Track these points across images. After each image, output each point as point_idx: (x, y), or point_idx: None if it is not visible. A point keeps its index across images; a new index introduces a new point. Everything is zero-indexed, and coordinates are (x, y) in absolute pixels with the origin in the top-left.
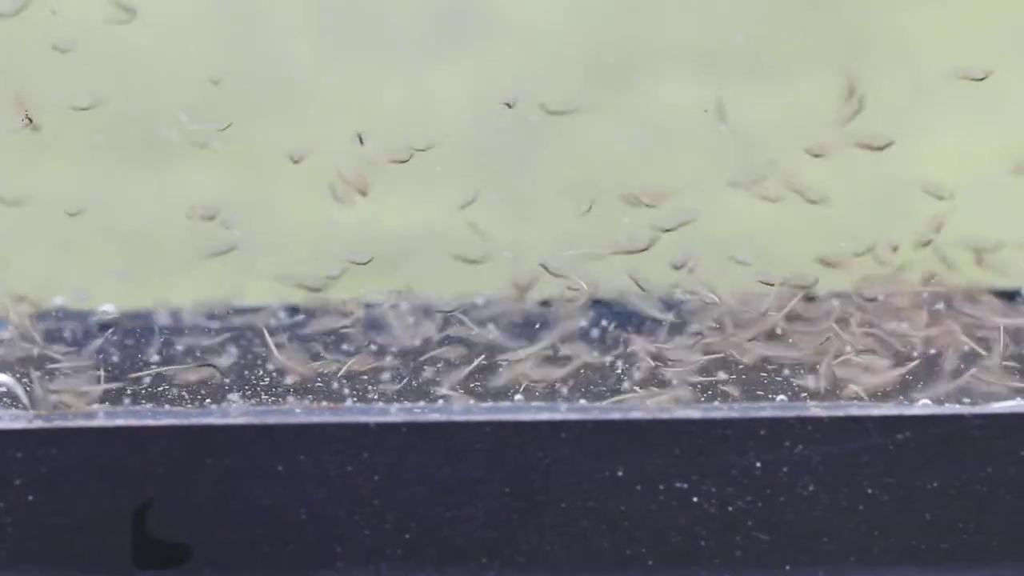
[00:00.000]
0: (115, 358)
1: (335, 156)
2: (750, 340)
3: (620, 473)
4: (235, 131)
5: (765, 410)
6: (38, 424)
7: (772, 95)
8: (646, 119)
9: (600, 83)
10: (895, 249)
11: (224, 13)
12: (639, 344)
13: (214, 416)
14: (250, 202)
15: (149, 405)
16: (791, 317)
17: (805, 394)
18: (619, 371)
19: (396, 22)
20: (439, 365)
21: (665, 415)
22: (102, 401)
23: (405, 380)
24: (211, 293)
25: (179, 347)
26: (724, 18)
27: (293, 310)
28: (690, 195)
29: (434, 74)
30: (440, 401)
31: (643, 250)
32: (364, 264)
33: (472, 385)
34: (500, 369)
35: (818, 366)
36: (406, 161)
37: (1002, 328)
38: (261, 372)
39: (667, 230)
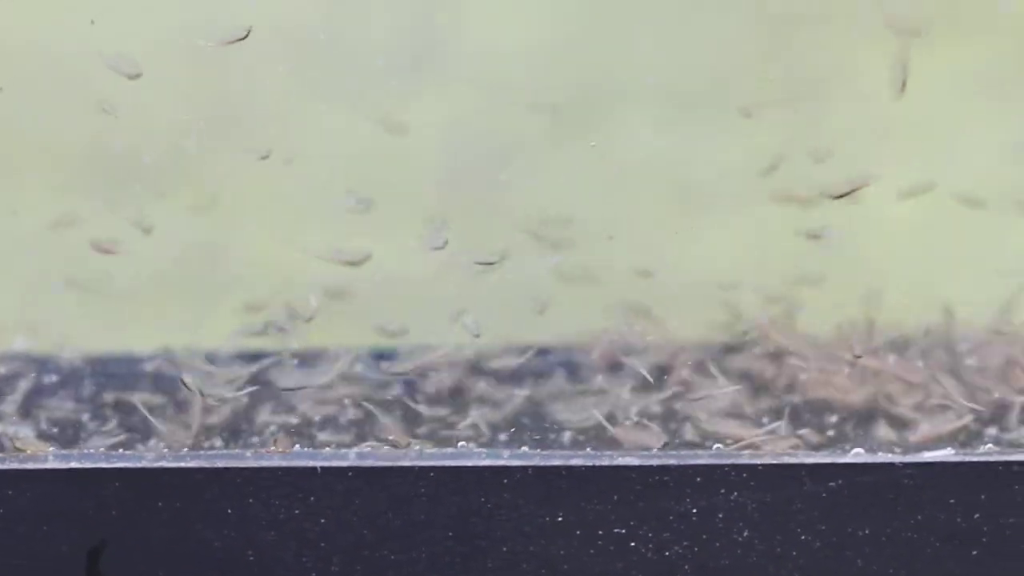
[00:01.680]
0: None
1: (297, 196)
2: None
3: (560, 518)
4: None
5: (701, 457)
6: None
7: (731, 133)
8: (606, 156)
9: (560, 120)
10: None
11: (188, 47)
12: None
13: (166, 459)
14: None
15: (102, 447)
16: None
17: None
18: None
19: (361, 61)
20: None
21: (604, 462)
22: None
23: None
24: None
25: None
26: (686, 56)
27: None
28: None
29: (394, 111)
30: (385, 448)
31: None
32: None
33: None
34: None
35: None
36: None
37: None
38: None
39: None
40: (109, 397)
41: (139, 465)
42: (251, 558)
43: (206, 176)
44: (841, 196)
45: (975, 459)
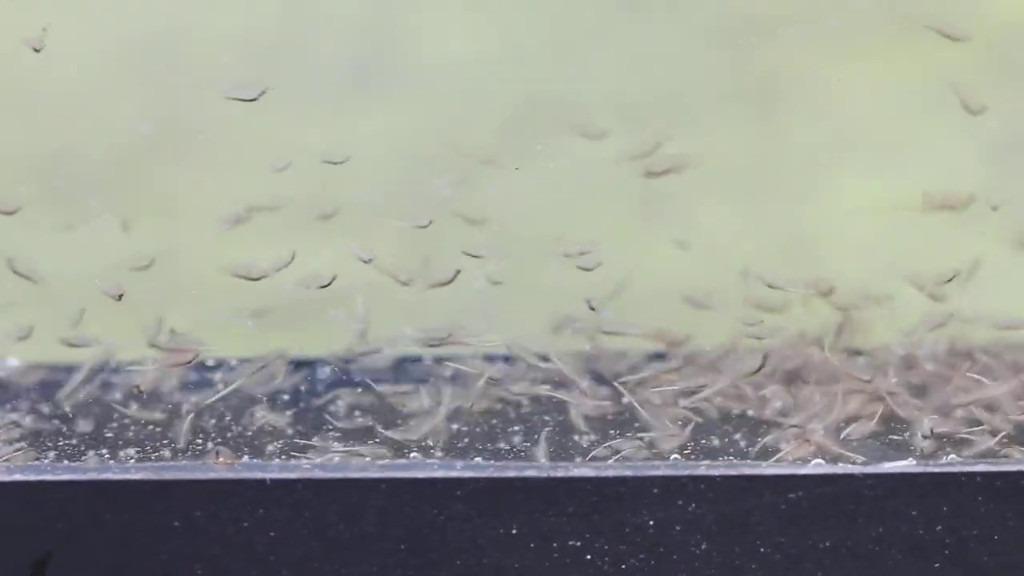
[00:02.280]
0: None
1: (249, 206)
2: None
3: (514, 530)
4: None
5: (659, 468)
6: None
7: (691, 144)
8: (563, 168)
9: (516, 133)
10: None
11: (135, 59)
12: None
13: (112, 471)
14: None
15: (48, 459)
16: None
17: None
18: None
19: (314, 72)
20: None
21: (559, 473)
22: None
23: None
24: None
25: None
26: (644, 68)
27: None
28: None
29: (350, 124)
30: (335, 459)
31: None
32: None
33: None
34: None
35: None
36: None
37: None
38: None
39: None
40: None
41: (85, 477)
42: (199, 572)
43: (150, 185)
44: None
45: (936, 470)
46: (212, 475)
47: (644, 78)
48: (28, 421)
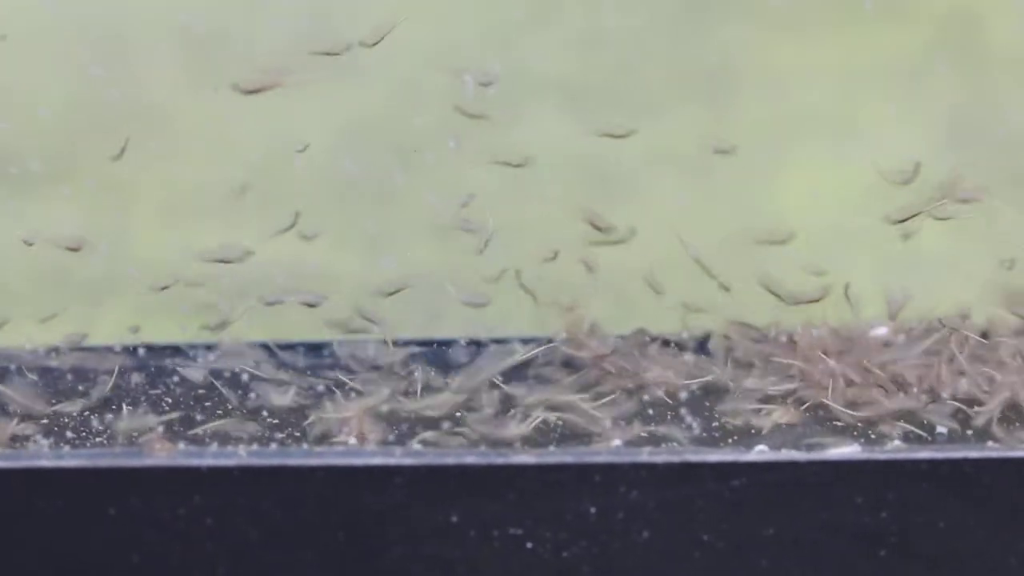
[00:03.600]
0: None
1: (198, 189)
2: None
3: (454, 519)
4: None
5: (600, 455)
6: None
7: (640, 127)
8: (510, 152)
9: (464, 116)
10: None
11: (86, 40)
12: None
13: (45, 458)
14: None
15: None
16: None
17: None
18: None
19: (261, 52)
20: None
21: (500, 460)
22: None
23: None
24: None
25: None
26: (590, 52)
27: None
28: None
29: (295, 105)
30: (273, 445)
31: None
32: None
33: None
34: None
35: None
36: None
37: None
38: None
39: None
40: None
41: (17, 464)
42: (134, 560)
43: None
44: None
45: (881, 457)
46: (148, 462)
47: (591, 61)
48: None
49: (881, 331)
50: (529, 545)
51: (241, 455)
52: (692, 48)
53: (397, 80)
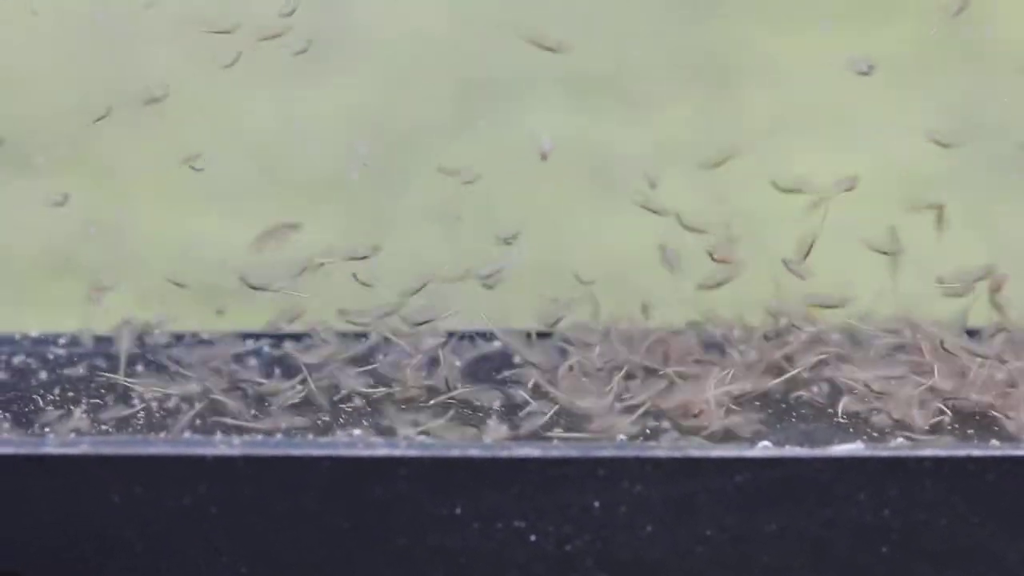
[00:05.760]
0: None
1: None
2: None
3: (458, 510)
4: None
5: (605, 449)
6: None
7: (642, 120)
8: (514, 144)
9: (468, 108)
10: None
11: (87, 26)
12: None
13: (51, 445)
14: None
15: None
16: None
17: None
18: None
19: (264, 42)
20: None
21: (504, 453)
22: None
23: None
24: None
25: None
26: (595, 44)
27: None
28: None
29: (301, 95)
30: (279, 435)
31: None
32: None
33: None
34: None
35: None
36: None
37: None
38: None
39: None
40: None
41: (22, 451)
42: (139, 548)
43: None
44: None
45: (885, 454)
46: (153, 450)
47: (593, 54)
48: None
49: None
50: (532, 538)
51: (246, 444)
52: (689, 39)
53: (397, 69)
